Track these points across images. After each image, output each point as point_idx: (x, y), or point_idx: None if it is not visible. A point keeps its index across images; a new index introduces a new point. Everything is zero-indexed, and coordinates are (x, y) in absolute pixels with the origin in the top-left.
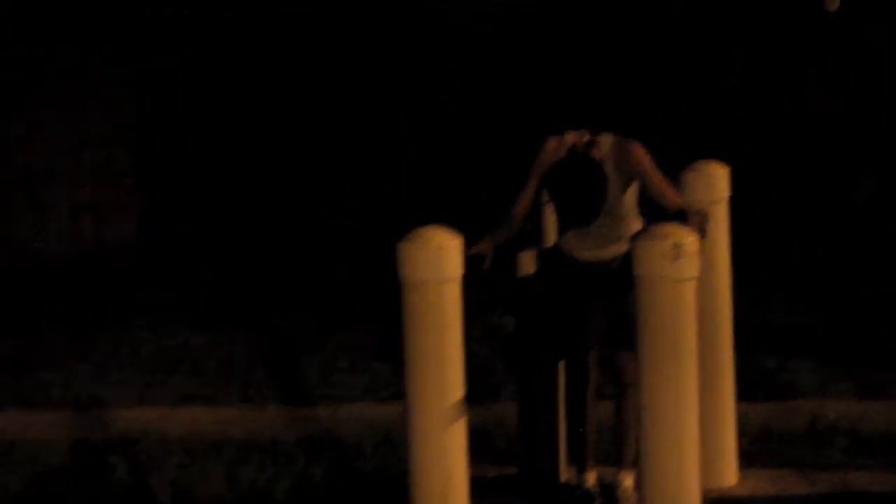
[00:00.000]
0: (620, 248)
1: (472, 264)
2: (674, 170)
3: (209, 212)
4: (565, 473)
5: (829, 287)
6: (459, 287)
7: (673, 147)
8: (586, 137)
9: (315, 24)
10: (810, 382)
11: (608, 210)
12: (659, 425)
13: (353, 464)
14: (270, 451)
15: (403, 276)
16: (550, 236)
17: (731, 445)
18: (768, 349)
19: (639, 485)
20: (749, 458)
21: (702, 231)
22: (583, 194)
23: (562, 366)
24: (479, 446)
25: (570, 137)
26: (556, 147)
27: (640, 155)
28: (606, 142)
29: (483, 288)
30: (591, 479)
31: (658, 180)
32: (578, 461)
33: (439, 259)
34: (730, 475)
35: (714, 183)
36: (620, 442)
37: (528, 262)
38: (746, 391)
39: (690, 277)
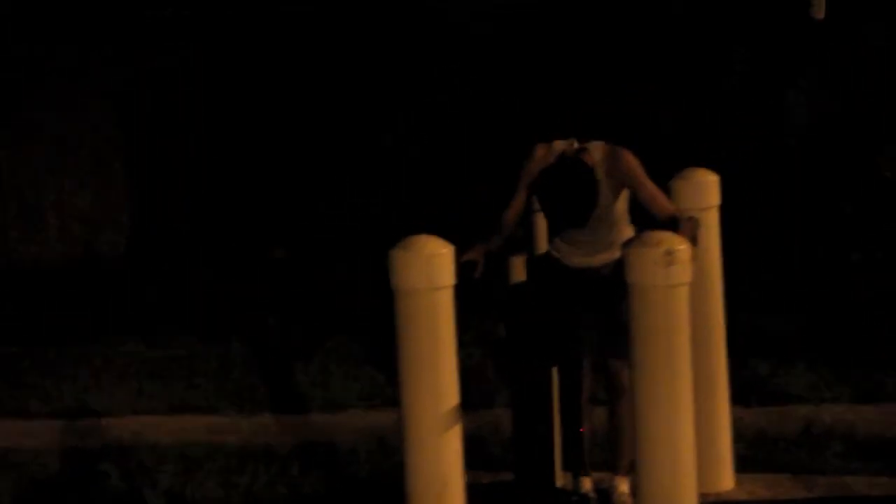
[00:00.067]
0: (612, 255)
1: (463, 272)
2: (672, 173)
3: (208, 212)
4: (561, 479)
5: (824, 290)
6: (452, 295)
7: (672, 147)
8: (575, 145)
9: (315, 24)
10: (805, 387)
11: (599, 217)
12: (654, 431)
13: (347, 470)
14: (264, 458)
15: (396, 284)
16: (542, 243)
17: (727, 450)
18: (762, 354)
19: (635, 490)
20: (745, 462)
21: (693, 238)
22: (573, 198)
23: (555, 372)
24: (474, 453)
25: (559, 145)
26: (545, 154)
27: (632, 162)
28: (598, 149)
29: (475, 295)
30: (586, 484)
31: (650, 188)
32: (574, 467)
33: (431, 267)
34: (726, 480)
35: (704, 190)
36: (615, 448)
37: (519, 269)
38: (741, 396)
39: (683, 284)
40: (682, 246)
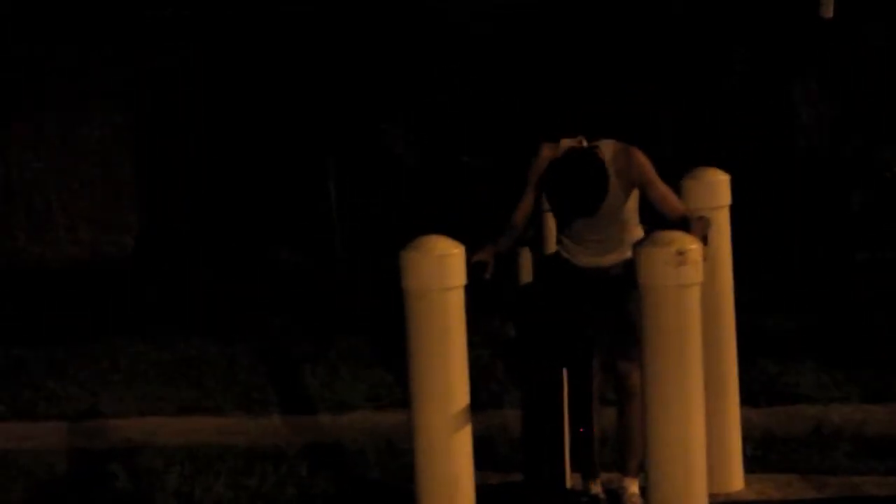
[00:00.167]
0: (621, 255)
1: (473, 272)
2: (673, 173)
3: (211, 212)
4: (570, 480)
5: (832, 289)
6: (462, 295)
7: (672, 147)
8: (584, 143)
9: (315, 24)
10: (813, 387)
11: (609, 216)
12: (665, 432)
13: (356, 471)
14: (273, 459)
15: (406, 284)
16: (551, 243)
17: (737, 450)
18: (771, 354)
19: (645, 491)
20: (754, 463)
21: (704, 238)
22: (583, 186)
23: (565, 372)
24: (483, 453)
25: (566, 143)
26: (552, 153)
27: (643, 161)
28: (608, 147)
29: (483, 295)
30: (596, 485)
31: (661, 187)
32: (583, 468)
33: (442, 268)
34: (736, 480)
35: (715, 190)
36: (624, 448)
37: (529, 269)
38: (750, 396)
39: (694, 284)
40: (693, 246)
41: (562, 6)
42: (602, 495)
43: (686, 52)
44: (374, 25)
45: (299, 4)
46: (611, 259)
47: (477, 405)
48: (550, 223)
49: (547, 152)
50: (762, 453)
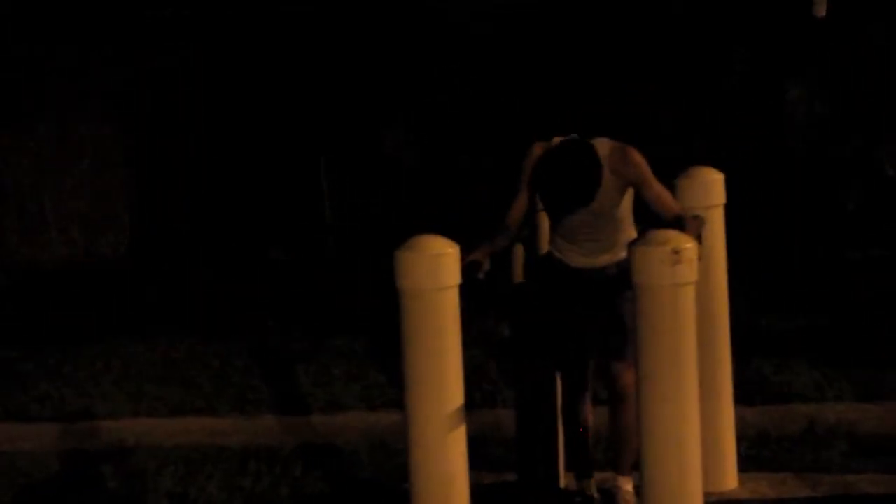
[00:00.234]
0: (614, 255)
1: (467, 272)
2: (674, 172)
3: (208, 213)
4: (564, 480)
5: (826, 288)
6: (457, 295)
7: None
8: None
9: (315, 24)
10: (808, 385)
11: (603, 216)
12: (660, 431)
13: (349, 471)
14: (266, 459)
15: (401, 284)
16: (545, 242)
17: (731, 449)
18: (765, 353)
19: (640, 490)
20: (748, 461)
21: (698, 237)
22: (577, 174)
23: (559, 372)
24: (477, 453)
25: (558, 141)
26: (543, 152)
27: (639, 160)
28: (603, 145)
29: (476, 295)
30: (590, 485)
31: (656, 187)
32: (577, 467)
33: (437, 267)
34: (730, 479)
35: (709, 189)
36: (618, 447)
37: (523, 269)
38: (744, 395)
39: (689, 283)
40: (688, 245)
41: (562, 6)
42: (596, 494)
43: (686, 52)
44: (374, 25)
45: (299, 4)
46: (604, 259)
47: (471, 405)
48: (544, 223)
49: (538, 151)
50: (756, 452)
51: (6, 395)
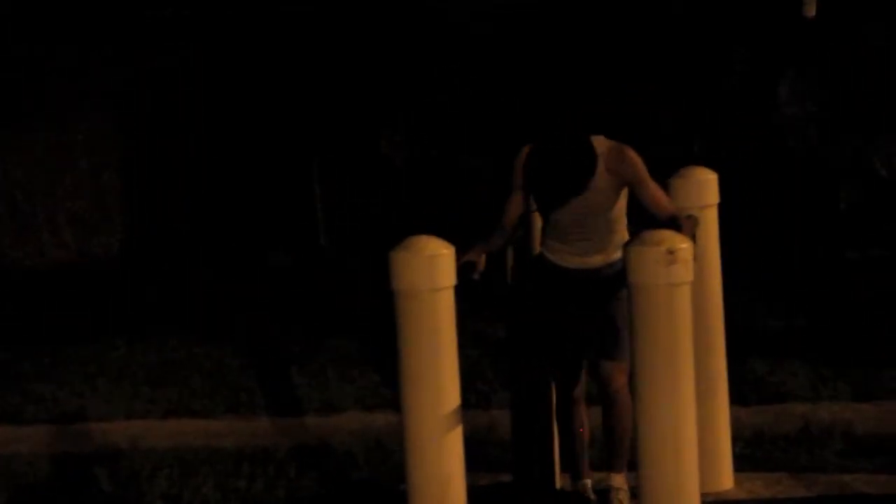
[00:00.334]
0: (607, 256)
1: (462, 273)
2: (673, 172)
3: (206, 213)
4: (560, 480)
5: (822, 288)
6: (452, 295)
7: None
8: None
9: (315, 24)
10: (803, 385)
11: (597, 216)
12: (657, 430)
13: (345, 472)
14: (262, 461)
15: (397, 284)
16: (539, 243)
17: (727, 449)
18: (760, 353)
19: (636, 490)
20: (743, 461)
21: (692, 237)
22: (569, 162)
23: (554, 373)
24: (473, 454)
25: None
26: (535, 146)
27: (635, 160)
28: (599, 144)
29: (471, 295)
30: (586, 485)
31: (651, 187)
32: (572, 467)
33: (432, 268)
34: (726, 479)
35: (703, 188)
36: (611, 447)
37: (518, 269)
38: (739, 395)
39: (684, 282)
40: (683, 245)
41: (562, 6)
42: (591, 495)
43: (686, 52)
44: (374, 25)
45: (299, 4)
46: (598, 260)
47: (466, 405)
48: (538, 224)
49: (529, 151)
50: (752, 451)
51: (0, 396)
